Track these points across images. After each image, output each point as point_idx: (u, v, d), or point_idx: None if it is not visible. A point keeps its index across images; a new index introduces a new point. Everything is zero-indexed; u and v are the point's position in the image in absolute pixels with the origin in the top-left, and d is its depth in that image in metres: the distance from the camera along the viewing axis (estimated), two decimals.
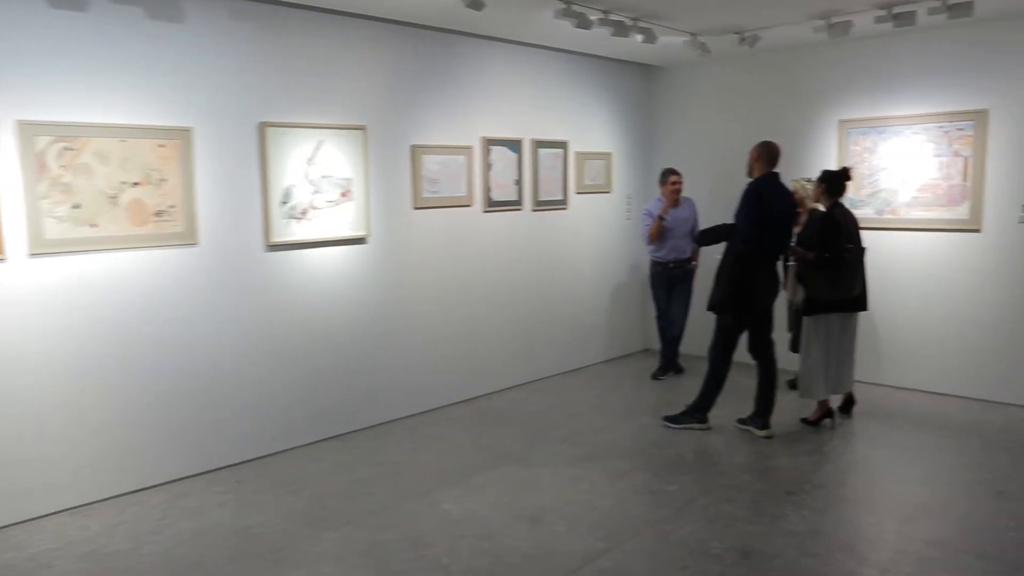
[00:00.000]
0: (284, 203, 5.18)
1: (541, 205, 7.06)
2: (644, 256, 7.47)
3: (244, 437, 5.12)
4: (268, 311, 5.19)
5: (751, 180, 5.43)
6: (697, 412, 5.69)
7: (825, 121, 6.96)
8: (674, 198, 6.85)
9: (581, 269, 7.58)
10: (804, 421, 5.74)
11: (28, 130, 4.09)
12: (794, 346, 6.12)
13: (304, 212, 5.29)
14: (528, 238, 6.98)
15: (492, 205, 6.60)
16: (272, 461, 5.15)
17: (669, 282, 7.06)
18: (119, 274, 4.52)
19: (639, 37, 5.99)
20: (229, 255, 4.97)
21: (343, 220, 5.51)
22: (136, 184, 4.50)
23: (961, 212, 6.29)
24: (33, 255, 4.18)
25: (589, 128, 7.51)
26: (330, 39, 5.38)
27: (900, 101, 6.53)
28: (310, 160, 5.28)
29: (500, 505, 4.41)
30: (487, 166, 6.51)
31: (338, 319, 5.58)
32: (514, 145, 6.74)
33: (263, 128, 5.03)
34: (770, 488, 4.62)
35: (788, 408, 5.96)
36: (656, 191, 7.15)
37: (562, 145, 7.20)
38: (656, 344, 7.52)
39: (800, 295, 5.60)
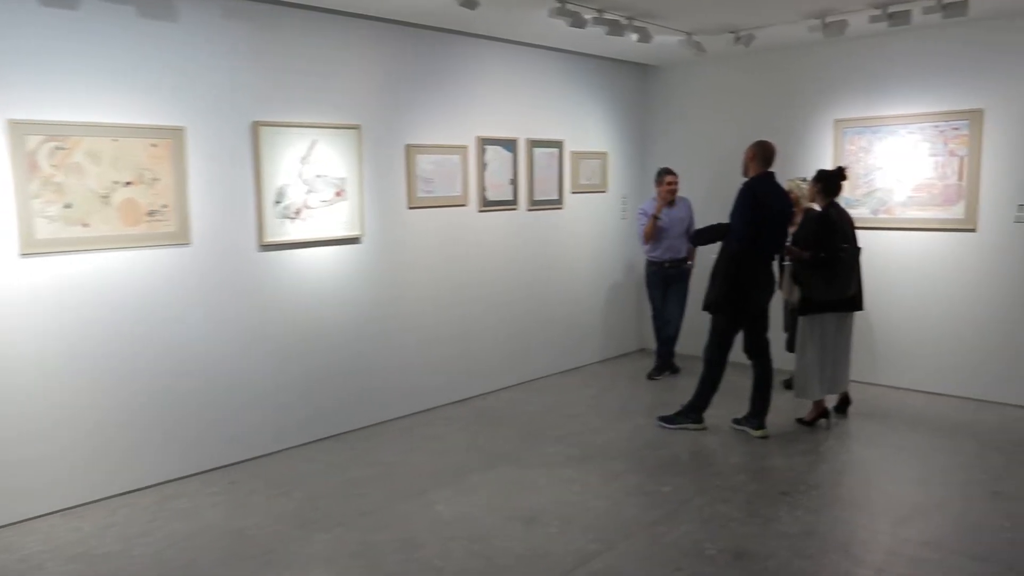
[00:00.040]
0: (278, 203, 5.16)
1: (536, 205, 7.04)
2: (640, 256, 7.45)
3: (237, 438, 5.10)
4: (262, 311, 5.17)
5: (746, 180, 5.42)
6: (692, 412, 5.67)
7: (820, 120, 6.95)
8: (669, 198, 6.83)
9: (577, 269, 7.56)
10: (800, 421, 5.73)
11: (19, 129, 4.07)
12: (790, 346, 6.11)
13: (298, 212, 5.27)
14: (523, 238, 6.96)
15: (487, 205, 6.58)
16: (265, 462, 5.13)
17: (665, 282, 7.05)
18: (111, 274, 4.49)
19: (634, 36, 5.98)
20: (222, 255, 4.95)
21: (337, 220, 5.49)
22: (128, 184, 4.47)
23: (956, 212, 6.28)
24: (24, 255, 4.16)
25: (585, 127, 7.49)
26: (324, 38, 5.36)
27: (895, 100, 6.53)
28: (304, 159, 5.26)
29: (493, 506, 4.39)
30: (482, 166, 6.49)
31: (332, 319, 5.56)
32: (509, 144, 6.72)
33: (256, 127, 5.00)
34: (765, 489, 4.60)
35: (784, 408, 5.95)
36: (652, 191, 7.13)
37: (557, 144, 7.19)
38: (652, 344, 7.51)
39: (796, 295, 5.59)
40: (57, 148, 4.20)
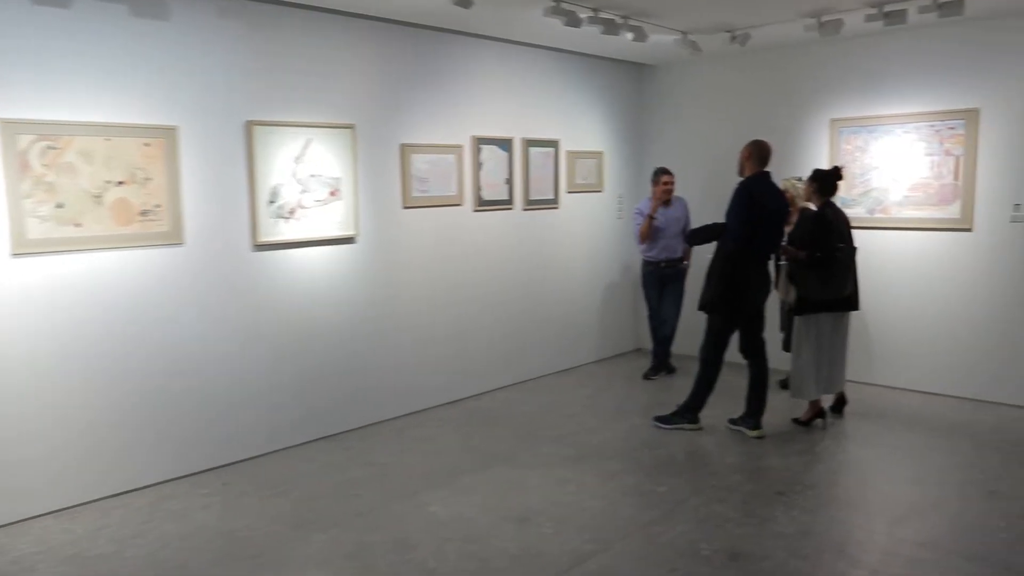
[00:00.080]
0: (272, 202, 5.13)
1: (532, 204, 7.02)
2: (636, 255, 7.43)
3: (231, 438, 5.07)
4: (255, 311, 5.14)
5: (742, 179, 5.41)
6: (688, 412, 5.66)
7: (816, 120, 6.94)
8: (665, 198, 6.82)
9: (572, 268, 7.54)
10: (795, 421, 5.72)
11: (10, 128, 4.04)
12: (787, 346, 6.09)
13: (292, 211, 5.24)
14: (519, 237, 6.95)
15: (482, 204, 6.56)
16: (259, 463, 5.11)
17: (661, 282, 7.04)
18: (104, 274, 4.47)
19: (629, 35, 5.96)
20: (216, 255, 4.92)
21: (332, 219, 5.47)
22: (121, 183, 4.45)
23: (952, 211, 6.27)
24: (15, 255, 4.13)
25: (580, 127, 7.47)
26: (318, 37, 5.34)
27: (891, 100, 6.52)
28: (298, 159, 5.24)
29: (488, 507, 4.37)
30: (477, 165, 6.48)
31: (327, 319, 5.53)
32: (504, 144, 6.70)
33: (250, 127, 4.98)
34: (761, 489, 4.59)
35: (779, 408, 5.93)
36: (648, 190, 7.12)
37: (553, 144, 7.17)
38: (648, 344, 7.49)
39: (792, 295, 5.58)
40: (49, 147, 4.17)
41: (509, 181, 6.78)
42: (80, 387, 4.42)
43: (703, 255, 5.85)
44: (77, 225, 4.30)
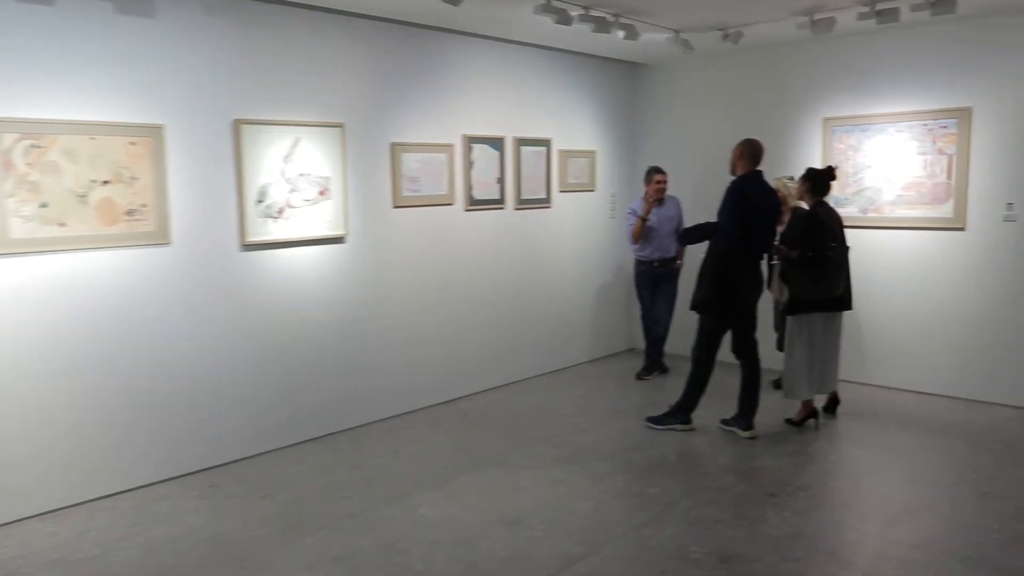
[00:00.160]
0: (260, 202, 5.09)
1: (524, 204, 6.98)
2: (629, 255, 7.40)
3: (219, 440, 5.03)
4: (244, 312, 5.10)
5: (734, 178, 5.37)
6: (680, 413, 5.63)
7: (809, 119, 6.92)
8: (658, 197, 6.79)
9: (565, 268, 7.51)
10: (788, 421, 5.69)
11: None
12: (781, 345, 6.07)
13: (281, 211, 5.20)
14: (511, 237, 6.91)
15: (474, 204, 6.52)
16: (248, 464, 5.06)
17: (653, 281, 7.00)
18: (89, 274, 4.41)
19: (621, 33, 5.92)
20: (203, 255, 4.88)
21: (321, 219, 5.43)
22: (106, 183, 4.40)
23: (945, 210, 6.25)
24: None
25: (573, 126, 7.44)
26: (307, 35, 5.29)
27: (884, 99, 6.49)
28: (287, 158, 5.19)
29: (478, 509, 4.33)
30: (468, 164, 6.43)
31: (316, 320, 5.49)
32: (496, 143, 6.66)
33: (238, 125, 4.93)
34: (753, 490, 4.56)
35: (772, 408, 5.91)
36: (641, 189, 7.08)
37: (545, 143, 7.13)
38: (641, 344, 7.46)
39: (786, 295, 5.55)
40: (32, 146, 4.12)
41: (501, 180, 6.74)
42: (66, 388, 4.37)
43: (696, 255, 5.82)
44: (61, 225, 4.25)
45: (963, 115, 6.10)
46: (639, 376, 7.14)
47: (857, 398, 6.30)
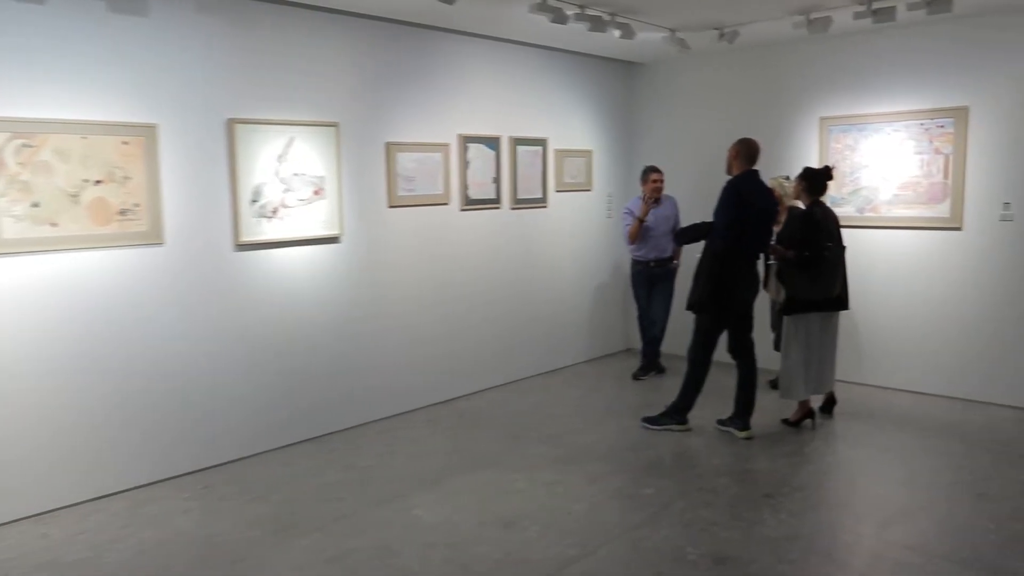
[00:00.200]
0: (254, 201, 5.06)
1: (520, 203, 6.96)
2: (625, 255, 7.38)
3: (213, 441, 5.00)
4: (238, 312, 5.07)
5: (730, 178, 5.36)
6: (676, 413, 5.61)
7: (806, 118, 6.90)
8: (655, 196, 6.76)
9: (561, 268, 7.49)
10: (785, 422, 5.67)
11: None
12: (777, 345, 6.05)
13: (275, 211, 5.17)
14: (507, 237, 6.88)
15: (469, 203, 6.50)
16: (242, 466, 5.03)
17: (650, 281, 6.99)
18: (82, 274, 4.39)
19: (616, 33, 5.90)
20: (197, 255, 4.85)
21: (316, 219, 5.40)
22: (98, 182, 4.37)
23: (942, 210, 6.24)
24: None
25: (569, 125, 7.42)
26: (301, 34, 5.26)
27: (881, 98, 6.48)
28: (281, 158, 5.17)
29: (473, 510, 4.31)
30: (464, 164, 6.41)
31: (311, 320, 5.46)
32: (492, 142, 6.64)
33: (232, 125, 4.91)
34: (748, 491, 4.54)
35: (769, 408, 5.89)
36: (637, 189, 7.06)
37: (541, 142, 7.11)
38: (638, 344, 7.44)
39: (783, 294, 5.53)
40: (24, 146, 4.09)
41: (496, 180, 6.72)
42: (58, 389, 4.34)
43: (693, 254, 5.80)
44: (53, 225, 4.23)
45: (960, 114, 6.09)
46: (635, 376, 7.12)
47: (854, 398, 6.28)
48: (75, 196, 4.29)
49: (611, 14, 5.73)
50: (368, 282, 5.79)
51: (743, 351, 5.50)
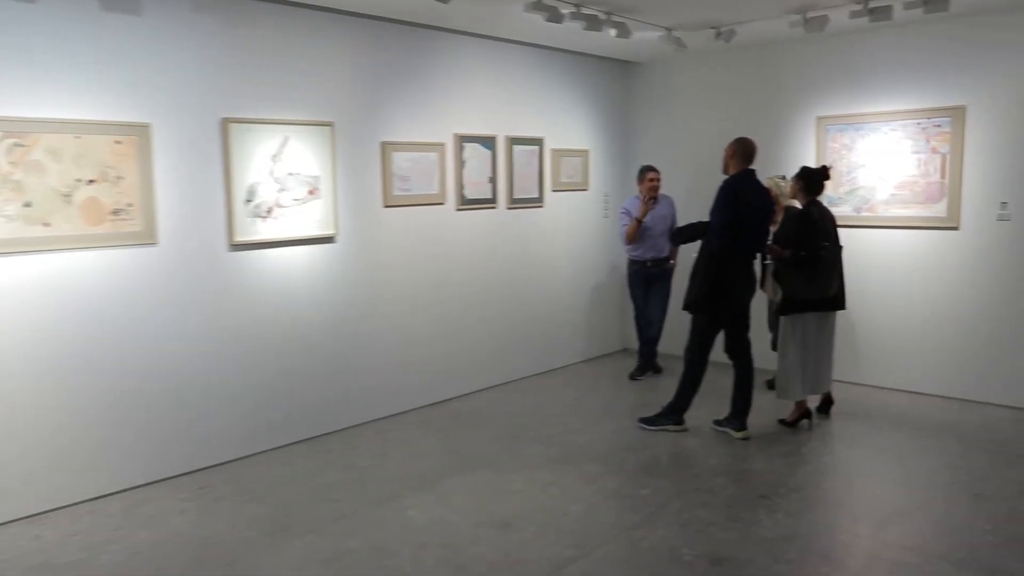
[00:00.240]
0: (248, 201, 5.04)
1: (516, 203, 6.94)
2: (622, 255, 7.36)
3: (208, 441, 4.98)
4: (233, 312, 5.05)
5: (727, 177, 5.34)
6: (673, 413, 5.59)
7: (802, 117, 6.89)
8: (652, 195, 6.75)
9: (558, 268, 7.47)
10: (781, 422, 5.66)
11: None
12: (774, 345, 6.03)
13: (269, 211, 5.15)
14: (503, 236, 6.86)
15: (465, 203, 6.48)
16: (237, 466, 5.01)
17: (647, 281, 6.97)
18: (75, 274, 4.36)
19: (612, 32, 5.88)
20: (191, 255, 4.83)
21: (311, 219, 5.38)
22: (91, 182, 4.34)
23: (939, 209, 6.23)
24: None
25: (565, 124, 7.40)
26: (296, 33, 5.24)
27: (878, 97, 6.47)
28: (275, 157, 5.15)
29: (468, 511, 4.29)
30: (460, 163, 6.39)
31: (306, 320, 5.44)
32: (488, 142, 6.62)
33: (226, 124, 4.88)
34: (745, 492, 4.52)
35: (766, 409, 5.87)
36: (634, 188, 7.05)
37: (537, 142, 7.09)
38: (635, 344, 7.43)
39: (779, 294, 5.52)
40: (16, 145, 4.07)
41: (493, 180, 6.70)
42: (51, 389, 4.32)
43: (689, 254, 5.78)
44: (46, 225, 4.20)
45: (957, 114, 6.08)
46: (632, 376, 7.10)
47: (851, 398, 6.27)
48: (68, 196, 4.27)
49: (607, 13, 5.72)
50: (364, 282, 5.77)
51: (740, 351, 5.48)
